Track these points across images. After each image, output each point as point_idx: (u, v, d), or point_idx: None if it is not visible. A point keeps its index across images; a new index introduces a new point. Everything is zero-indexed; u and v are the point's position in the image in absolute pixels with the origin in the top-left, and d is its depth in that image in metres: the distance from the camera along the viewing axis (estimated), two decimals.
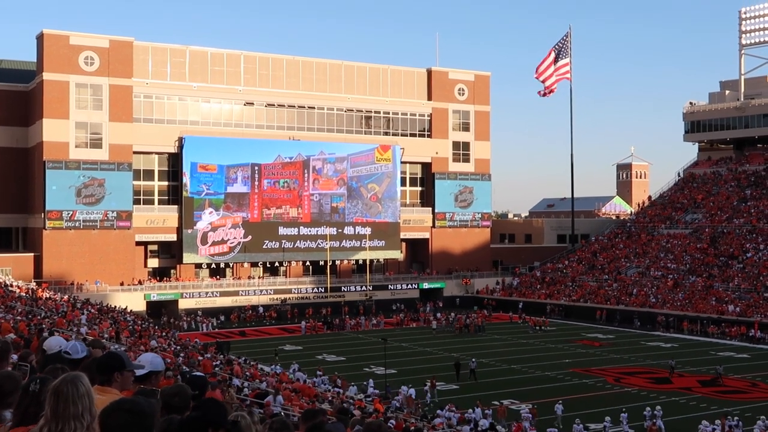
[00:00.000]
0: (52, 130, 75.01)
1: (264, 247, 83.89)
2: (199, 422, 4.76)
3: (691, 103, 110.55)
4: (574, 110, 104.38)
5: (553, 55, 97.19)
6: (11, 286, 53.91)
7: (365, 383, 43.75)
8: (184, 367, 29.88)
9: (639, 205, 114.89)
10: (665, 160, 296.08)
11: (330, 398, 35.05)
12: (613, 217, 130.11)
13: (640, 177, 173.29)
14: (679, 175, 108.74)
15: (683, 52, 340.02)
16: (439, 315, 76.52)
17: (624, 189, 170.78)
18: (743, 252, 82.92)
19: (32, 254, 76.07)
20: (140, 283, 77.29)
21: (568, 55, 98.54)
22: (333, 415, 16.91)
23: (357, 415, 23.12)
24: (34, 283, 64.13)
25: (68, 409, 3.94)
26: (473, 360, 50.17)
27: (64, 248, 74.73)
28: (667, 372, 49.85)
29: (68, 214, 75.24)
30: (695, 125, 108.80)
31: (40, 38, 76.81)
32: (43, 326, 30.41)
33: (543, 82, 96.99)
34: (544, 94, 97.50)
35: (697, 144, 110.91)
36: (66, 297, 58.95)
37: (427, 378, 46.80)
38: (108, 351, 6.73)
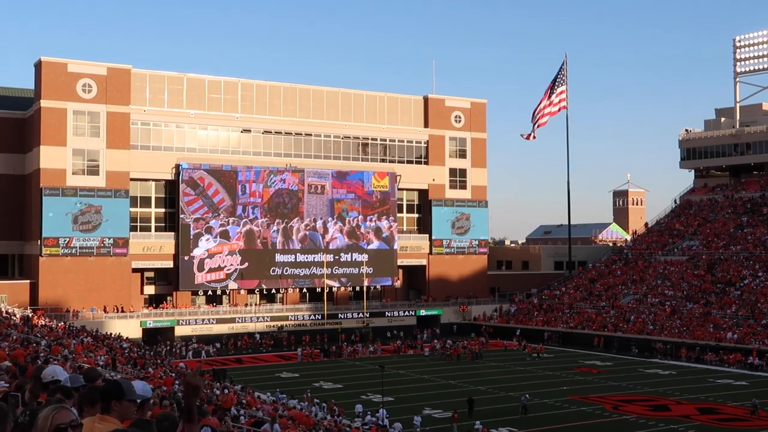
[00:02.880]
0: (49, 157, 75.05)
1: (260, 273, 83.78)
2: None
3: (686, 130, 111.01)
4: (570, 137, 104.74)
5: (548, 93, 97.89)
6: (7, 313, 53.66)
7: (355, 410, 43.82)
8: (180, 395, 29.68)
9: (635, 231, 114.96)
10: (661, 187, 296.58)
11: (326, 426, 34.80)
12: (610, 244, 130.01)
13: (637, 204, 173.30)
14: (675, 202, 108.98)
15: (679, 80, 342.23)
16: (436, 342, 76.28)
17: (620, 216, 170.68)
18: (740, 279, 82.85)
19: (28, 281, 75.82)
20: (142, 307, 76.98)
21: (564, 83, 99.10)
22: None
23: None
24: (30, 310, 63.85)
25: None
26: (526, 395, 47.83)
27: (60, 275, 74.51)
28: (749, 410, 46.85)
29: (65, 241, 75.12)
30: (691, 152, 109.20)
31: (38, 66, 77.06)
32: (39, 354, 30.23)
33: (539, 119, 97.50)
34: (528, 137, 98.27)
35: (693, 171, 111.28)
36: (62, 324, 58.67)
37: (424, 405, 46.70)
38: (112, 379, 6.72)
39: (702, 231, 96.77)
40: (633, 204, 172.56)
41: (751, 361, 65.57)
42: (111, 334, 63.19)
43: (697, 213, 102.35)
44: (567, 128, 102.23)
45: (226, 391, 40.64)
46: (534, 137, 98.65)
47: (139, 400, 6.13)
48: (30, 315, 57.64)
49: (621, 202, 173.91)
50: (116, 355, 45.53)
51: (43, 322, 55.16)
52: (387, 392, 48.69)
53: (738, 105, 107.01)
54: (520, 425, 42.77)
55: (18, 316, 54.26)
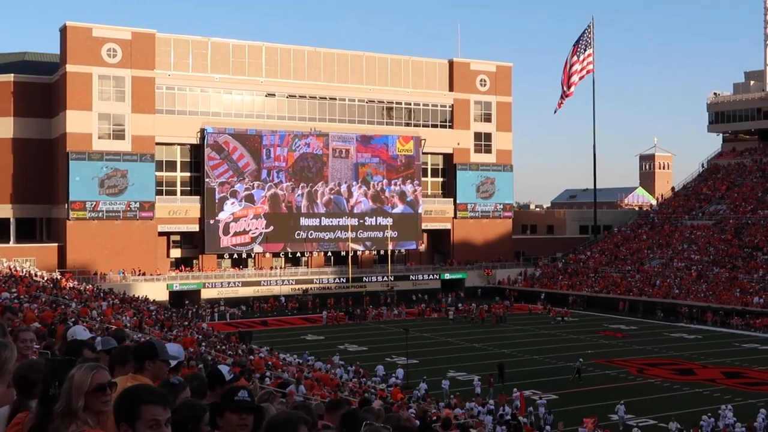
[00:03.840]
0: (75, 122, 75.49)
1: (285, 237, 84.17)
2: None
3: (715, 93, 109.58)
4: (596, 101, 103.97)
5: (575, 56, 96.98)
6: (36, 275, 54.41)
7: (376, 371, 44.35)
8: (207, 355, 30.07)
9: (662, 196, 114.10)
10: (689, 151, 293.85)
11: (351, 387, 35.08)
12: (636, 208, 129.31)
13: (664, 168, 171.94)
14: (702, 166, 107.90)
15: (707, 43, 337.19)
16: (460, 305, 76.45)
17: (647, 180, 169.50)
18: None
19: (56, 244, 76.70)
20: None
21: (590, 46, 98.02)
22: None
23: (379, 405, 23.11)
24: (58, 273, 64.64)
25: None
26: (581, 360, 47.51)
27: (87, 238, 75.26)
28: None
29: (91, 204, 75.78)
30: (719, 116, 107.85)
31: (63, 31, 77.24)
32: (67, 316, 30.66)
33: (567, 89, 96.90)
34: (559, 106, 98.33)
35: (721, 135, 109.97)
36: (90, 287, 59.41)
37: (449, 368, 47.08)
38: (145, 340, 6.84)
39: (729, 195, 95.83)
40: (660, 168, 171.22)
41: None
42: (138, 296, 63.90)
43: (724, 177, 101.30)
44: (593, 92, 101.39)
45: (259, 355, 41.18)
46: (561, 106, 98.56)
47: (174, 362, 6.23)
48: (58, 278, 58.36)
49: (647, 166, 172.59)
50: (143, 317, 46.11)
51: (71, 285, 55.86)
52: (411, 355, 48.95)
53: None
54: (545, 388, 42.87)
55: (46, 278, 54.96)
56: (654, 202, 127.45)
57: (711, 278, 78.20)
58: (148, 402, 3.91)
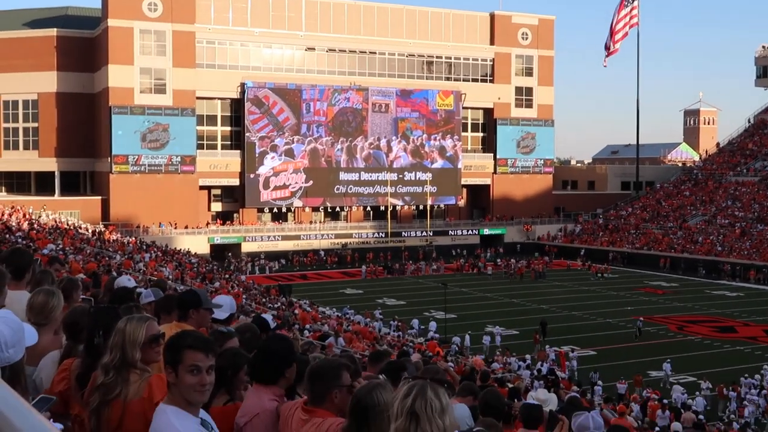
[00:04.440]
0: (117, 76, 75.97)
1: (325, 191, 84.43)
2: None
3: (763, 46, 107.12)
4: (641, 55, 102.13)
5: (622, 10, 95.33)
6: (80, 228, 55.29)
7: (411, 324, 44.78)
8: (248, 307, 30.47)
9: (706, 151, 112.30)
10: (735, 106, 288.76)
11: (389, 341, 35.34)
12: (679, 164, 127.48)
13: (709, 123, 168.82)
14: (749, 122, 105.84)
15: None
16: (499, 261, 76.35)
17: (691, 135, 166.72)
18: None
19: (99, 197, 77.78)
20: (208, 225, 78.49)
21: None
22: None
23: (417, 358, 23.26)
24: (102, 226, 65.58)
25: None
26: (641, 319, 47.19)
27: (130, 192, 76.13)
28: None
29: (134, 158, 76.56)
30: (767, 70, 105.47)
31: None
32: (111, 267, 31.21)
33: (614, 43, 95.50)
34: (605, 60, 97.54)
35: None
36: (133, 239, 60.25)
37: (487, 323, 47.28)
38: (189, 289, 6.97)
39: None
40: (705, 123, 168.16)
41: None
42: (180, 249, 64.70)
43: None
44: (638, 46, 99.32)
45: (306, 309, 41.60)
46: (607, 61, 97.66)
47: (224, 315, 6.35)
48: (102, 230, 59.24)
49: (692, 122, 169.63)
50: (185, 270, 46.73)
51: (115, 237, 56.71)
52: (450, 310, 49.14)
53: None
54: (583, 344, 42.86)
55: (90, 231, 55.82)
56: (698, 158, 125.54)
57: (755, 235, 77.11)
58: (191, 347, 3.98)
